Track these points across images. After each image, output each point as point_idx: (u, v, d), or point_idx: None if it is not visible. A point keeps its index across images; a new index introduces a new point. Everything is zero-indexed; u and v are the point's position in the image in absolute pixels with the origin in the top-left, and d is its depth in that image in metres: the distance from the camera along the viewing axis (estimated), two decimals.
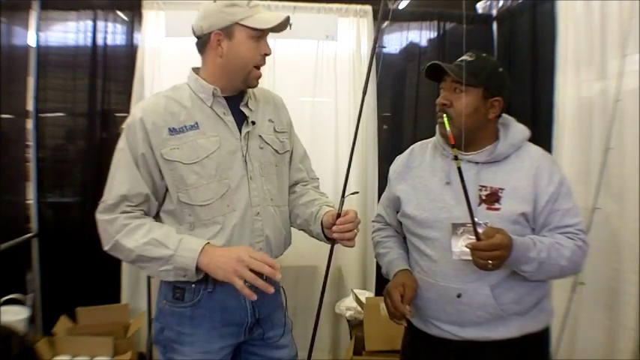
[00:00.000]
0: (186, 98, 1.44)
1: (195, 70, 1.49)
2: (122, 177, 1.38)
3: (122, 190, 1.37)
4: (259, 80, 1.48)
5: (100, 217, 1.39)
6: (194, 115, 1.42)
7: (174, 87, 1.49)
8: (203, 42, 1.44)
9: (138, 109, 1.43)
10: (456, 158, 1.35)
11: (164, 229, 1.38)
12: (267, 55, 1.44)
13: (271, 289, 1.31)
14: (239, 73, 1.43)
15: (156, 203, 1.43)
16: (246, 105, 1.49)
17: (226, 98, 1.47)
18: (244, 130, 1.46)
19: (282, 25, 1.44)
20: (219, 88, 1.44)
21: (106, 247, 1.39)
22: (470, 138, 1.45)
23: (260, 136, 1.50)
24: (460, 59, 1.47)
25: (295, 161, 1.64)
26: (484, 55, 1.50)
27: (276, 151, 1.53)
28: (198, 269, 1.33)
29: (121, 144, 1.41)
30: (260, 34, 1.41)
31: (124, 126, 1.43)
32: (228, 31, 1.40)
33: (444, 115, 1.41)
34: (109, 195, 1.39)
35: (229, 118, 1.45)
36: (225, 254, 1.32)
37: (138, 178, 1.38)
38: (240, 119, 1.47)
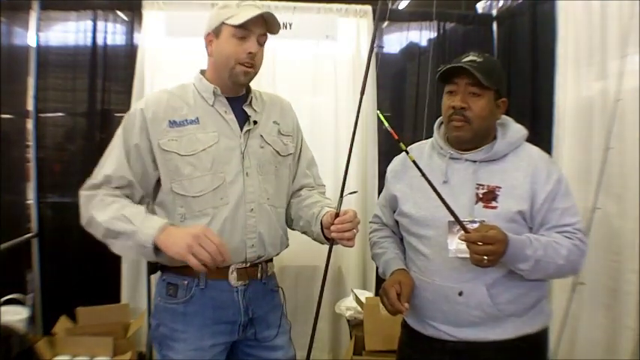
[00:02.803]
0: (190, 96, 1.48)
1: (202, 71, 1.53)
2: (111, 160, 1.43)
3: (108, 171, 1.41)
4: (247, 76, 1.46)
5: (83, 192, 1.44)
6: (196, 112, 1.46)
7: (181, 85, 1.53)
8: (205, 44, 1.49)
9: (141, 101, 1.48)
10: (407, 153, 1.39)
11: (137, 208, 1.39)
12: (251, 53, 1.42)
13: (221, 260, 1.27)
14: (224, 70, 1.45)
15: (141, 191, 1.45)
16: (250, 105, 1.51)
17: (230, 99, 1.49)
18: (245, 128, 1.48)
19: (268, 24, 1.44)
20: (219, 88, 1.47)
21: (83, 222, 1.43)
22: (480, 139, 1.47)
23: (261, 135, 1.51)
24: (469, 60, 1.44)
25: (302, 166, 1.65)
26: (486, 54, 1.50)
27: (278, 152, 1.54)
28: (157, 250, 1.31)
29: (119, 130, 1.46)
30: (243, 33, 1.41)
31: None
32: (217, 31, 1.44)
33: (378, 111, 1.43)
34: (96, 175, 1.44)
35: (230, 117, 1.48)
36: (182, 231, 1.32)
37: (124, 164, 1.42)
38: (243, 119, 1.49)
